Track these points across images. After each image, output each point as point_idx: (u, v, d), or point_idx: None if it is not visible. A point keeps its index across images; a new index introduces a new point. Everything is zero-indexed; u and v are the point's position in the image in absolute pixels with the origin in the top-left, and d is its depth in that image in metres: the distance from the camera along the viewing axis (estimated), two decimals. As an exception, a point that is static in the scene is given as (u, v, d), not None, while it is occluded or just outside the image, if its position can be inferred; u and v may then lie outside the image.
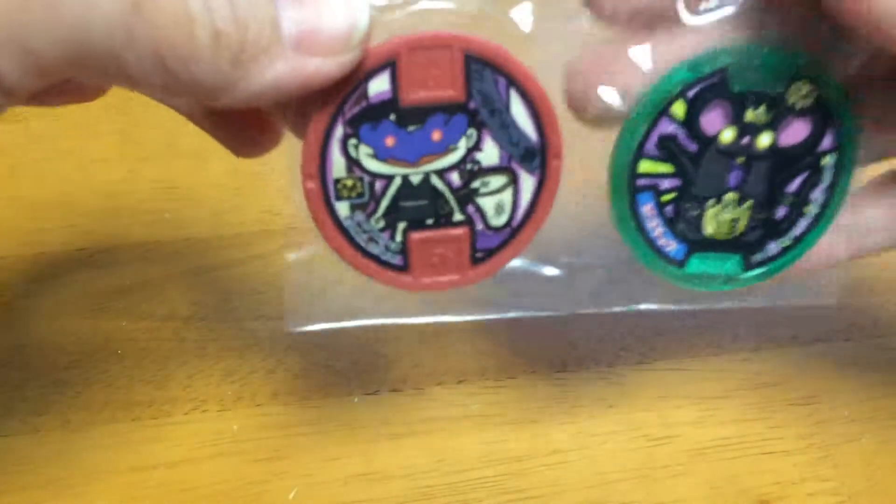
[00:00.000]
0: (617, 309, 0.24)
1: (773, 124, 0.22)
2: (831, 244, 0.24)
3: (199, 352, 0.31)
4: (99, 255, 0.34)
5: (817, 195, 0.23)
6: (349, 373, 0.30)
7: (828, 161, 0.22)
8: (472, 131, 0.21)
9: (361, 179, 0.21)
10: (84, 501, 0.27)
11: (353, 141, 0.21)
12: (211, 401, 0.30)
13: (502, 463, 0.28)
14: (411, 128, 0.21)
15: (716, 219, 0.23)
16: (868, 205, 0.24)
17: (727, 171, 0.22)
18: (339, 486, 0.27)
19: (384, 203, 0.22)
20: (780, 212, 0.23)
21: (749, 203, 0.22)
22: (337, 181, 0.21)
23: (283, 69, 0.18)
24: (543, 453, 0.28)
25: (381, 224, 0.22)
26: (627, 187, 0.22)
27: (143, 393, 0.30)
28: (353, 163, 0.21)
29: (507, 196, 0.22)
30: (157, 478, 0.27)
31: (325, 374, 0.30)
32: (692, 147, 0.22)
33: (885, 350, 0.32)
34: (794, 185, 0.22)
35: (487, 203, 0.22)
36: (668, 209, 0.23)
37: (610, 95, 0.21)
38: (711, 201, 0.22)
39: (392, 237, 0.22)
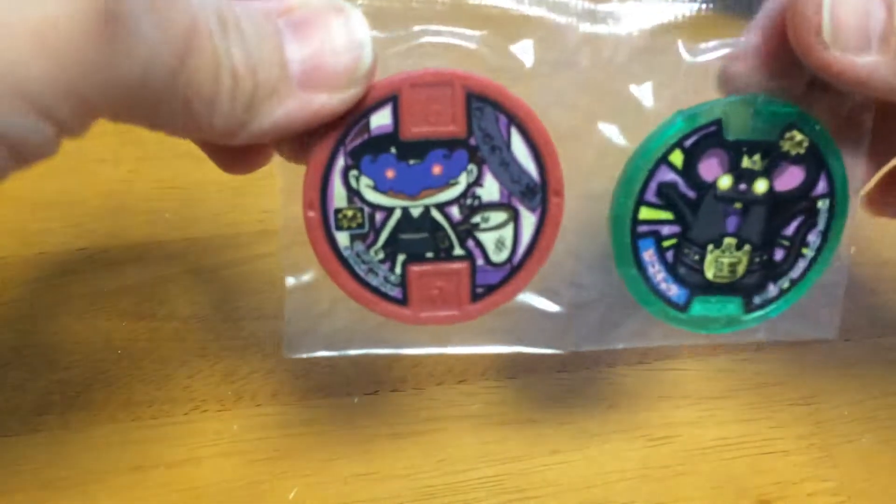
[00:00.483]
0: (619, 346, 0.24)
1: (768, 171, 0.22)
2: None
3: (199, 352, 0.31)
4: (99, 255, 0.34)
5: (813, 238, 0.23)
6: (349, 373, 0.31)
7: (822, 205, 0.23)
8: (472, 167, 0.21)
9: (362, 210, 0.21)
10: (84, 501, 0.27)
11: (353, 172, 0.21)
12: (211, 401, 0.30)
13: (502, 463, 0.28)
14: (412, 161, 0.21)
15: (716, 263, 0.23)
16: None
17: (725, 217, 0.23)
18: (339, 486, 0.28)
19: (384, 234, 0.22)
20: (778, 254, 0.23)
21: (747, 247, 0.23)
22: (337, 211, 0.21)
23: (291, 107, 0.18)
24: (543, 453, 0.28)
25: (381, 255, 0.22)
26: (629, 234, 0.23)
27: (143, 393, 0.30)
28: (353, 193, 0.21)
29: (507, 232, 0.22)
30: (157, 478, 0.27)
31: (325, 374, 0.30)
32: (691, 194, 0.22)
33: (885, 350, 0.32)
34: (790, 229, 0.23)
35: (488, 238, 0.22)
36: (669, 254, 0.23)
37: None
38: (711, 246, 0.23)
39: (391, 269, 0.22)
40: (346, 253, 0.22)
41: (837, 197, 0.23)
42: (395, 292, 0.22)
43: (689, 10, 0.22)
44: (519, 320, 0.24)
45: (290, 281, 0.23)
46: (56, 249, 0.34)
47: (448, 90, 0.21)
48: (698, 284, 0.23)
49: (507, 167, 0.21)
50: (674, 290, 0.23)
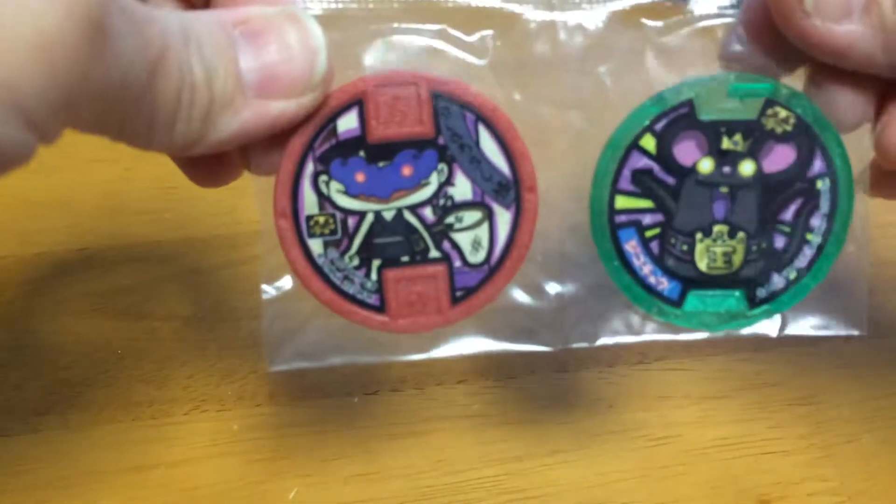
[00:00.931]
0: (611, 342, 0.24)
1: (753, 152, 0.21)
2: None
3: (199, 352, 0.31)
4: (99, 255, 0.34)
5: (817, 222, 0.22)
6: (349, 373, 0.30)
7: (822, 185, 0.22)
8: (442, 166, 0.21)
9: (333, 216, 0.21)
10: (84, 501, 0.27)
11: (323, 177, 0.21)
12: (211, 401, 0.30)
13: (502, 463, 0.28)
14: (381, 163, 0.21)
15: (708, 252, 0.22)
16: None
17: (711, 202, 0.22)
18: (339, 486, 0.27)
19: (357, 240, 0.21)
20: (779, 242, 0.22)
21: (741, 234, 0.22)
22: (309, 218, 0.21)
23: (248, 116, 0.18)
24: (543, 453, 0.28)
25: (356, 262, 0.22)
26: (608, 225, 0.22)
27: (143, 393, 0.30)
28: (324, 199, 0.21)
29: (483, 232, 0.22)
30: (157, 478, 0.27)
31: (325, 374, 0.30)
32: (669, 179, 0.22)
33: (885, 350, 0.32)
34: (788, 213, 0.22)
35: (463, 239, 0.22)
36: (654, 245, 0.22)
37: None
38: (700, 234, 0.22)
39: (367, 275, 0.22)
40: (320, 261, 0.22)
41: (839, 176, 0.22)
42: (373, 299, 0.22)
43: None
44: (504, 319, 0.23)
45: (268, 290, 0.22)
46: (55, 249, 0.34)
47: (413, 90, 0.21)
48: (691, 277, 0.22)
49: (477, 165, 0.21)
50: (665, 284, 0.22)
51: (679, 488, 0.28)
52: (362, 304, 0.22)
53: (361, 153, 0.21)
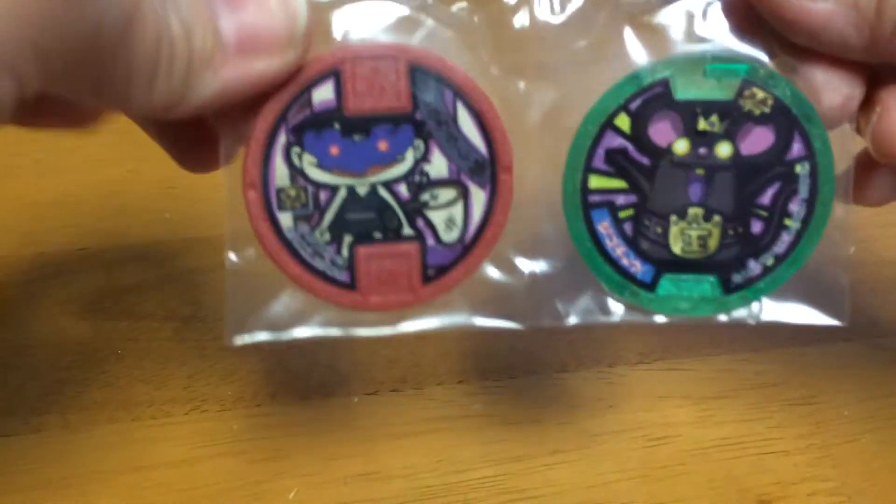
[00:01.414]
0: (582, 321, 0.23)
1: (730, 133, 0.21)
2: None
3: (199, 352, 0.31)
4: (99, 255, 0.34)
5: (795, 207, 0.22)
6: (349, 373, 0.31)
7: (801, 170, 0.21)
8: (419, 142, 0.21)
9: (305, 189, 0.21)
10: (84, 501, 0.27)
11: (296, 149, 0.20)
12: (211, 401, 0.30)
13: (502, 463, 0.28)
14: (356, 137, 0.21)
15: (682, 236, 0.22)
16: None
17: (686, 184, 0.21)
18: (339, 486, 0.27)
19: (329, 215, 0.21)
20: (756, 227, 0.22)
21: (717, 218, 0.22)
22: (280, 191, 0.21)
23: (229, 75, 0.18)
24: (543, 453, 0.28)
25: (327, 237, 0.21)
26: (580, 204, 0.22)
27: (143, 393, 0.30)
28: (296, 172, 0.21)
29: (457, 210, 0.21)
30: (157, 478, 0.27)
31: (325, 374, 0.30)
32: (644, 160, 0.21)
33: (885, 350, 0.32)
34: (766, 197, 0.22)
35: (437, 217, 0.21)
36: (628, 226, 0.22)
37: None
38: (674, 217, 0.22)
39: (338, 251, 0.21)
40: (289, 235, 0.21)
41: (819, 160, 0.21)
42: (343, 276, 0.21)
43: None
44: (475, 295, 0.23)
45: (232, 259, 0.22)
46: (56, 249, 0.34)
47: (392, 63, 0.20)
48: (665, 260, 0.22)
49: (454, 142, 0.21)
50: (638, 267, 0.22)
51: (679, 488, 0.28)
52: (332, 280, 0.21)
53: (336, 126, 0.20)
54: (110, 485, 0.27)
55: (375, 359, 0.31)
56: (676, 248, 0.22)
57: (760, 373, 0.31)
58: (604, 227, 0.22)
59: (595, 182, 0.21)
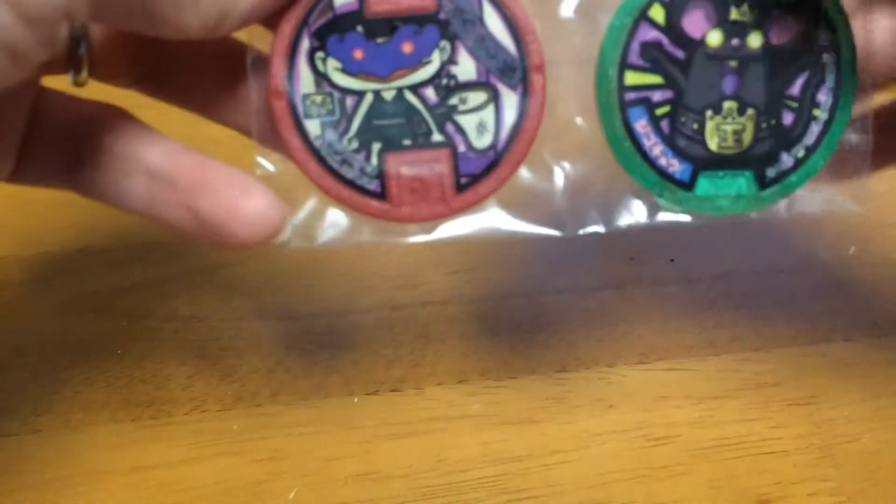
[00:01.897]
0: (623, 226, 0.22)
1: (760, 23, 0.21)
2: None
3: (199, 352, 0.31)
4: (99, 255, 0.34)
5: (823, 97, 0.21)
6: (349, 373, 0.30)
7: (827, 59, 0.21)
8: (445, 43, 0.20)
9: (331, 95, 0.20)
10: (84, 501, 0.27)
11: (320, 54, 0.20)
12: (211, 401, 0.30)
13: (502, 463, 0.28)
14: (380, 40, 0.20)
15: (718, 131, 0.21)
16: None
17: (721, 77, 0.21)
18: (339, 486, 0.27)
19: (356, 121, 0.20)
20: (787, 118, 0.22)
21: (751, 111, 0.21)
22: (306, 97, 0.20)
23: None
24: (543, 453, 0.28)
25: (355, 144, 0.20)
26: (617, 103, 0.21)
27: (143, 393, 0.30)
28: (321, 77, 0.20)
29: (488, 114, 0.21)
30: (157, 478, 0.27)
31: (325, 374, 0.30)
32: (679, 53, 0.21)
33: (885, 350, 0.32)
34: (795, 88, 0.21)
35: (468, 122, 0.21)
36: (665, 124, 0.21)
37: None
38: (710, 112, 0.21)
39: (367, 159, 0.21)
40: (317, 143, 0.20)
41: (842, 49, 0.21)
42: (373, 185, 0.21)
43: None
44: (509, 201, 0.22)
45: (263, 164, 0.21)
46: (56, 249, 0.34)
47: None
48: (702, 157, 0.22)
49: (482, 42, 0.20)
50: (676, 166, 0.22)
51: (679, 488, 0.28)
52: (362, 189, 0.21)
53: (359, 28, 0.20)
54: (110, 485, 0.27)
55: (375, 359, 0.31)
56: (713, 143, 0.22)
57: (760, 373, 0.31)
58: (641, 125, 0.21)
59: (631, 78, 0.21)
